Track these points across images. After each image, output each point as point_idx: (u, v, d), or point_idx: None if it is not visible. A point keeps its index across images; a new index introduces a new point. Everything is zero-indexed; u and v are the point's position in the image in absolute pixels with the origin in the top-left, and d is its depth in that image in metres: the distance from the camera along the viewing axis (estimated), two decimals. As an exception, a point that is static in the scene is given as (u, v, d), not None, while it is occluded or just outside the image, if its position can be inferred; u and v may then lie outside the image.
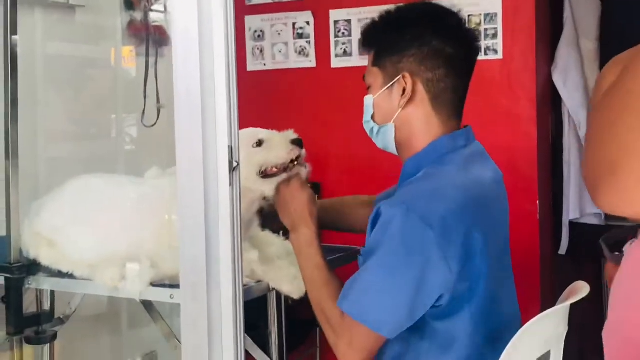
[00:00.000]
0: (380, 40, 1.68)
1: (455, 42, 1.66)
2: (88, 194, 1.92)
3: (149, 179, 1.90)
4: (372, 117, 1.68)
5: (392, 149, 1.70)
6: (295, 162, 1.76)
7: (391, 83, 1.64)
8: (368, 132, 1.72)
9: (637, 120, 0.75)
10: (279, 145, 1.75)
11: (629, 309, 0.89)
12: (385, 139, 1.68)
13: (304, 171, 1.77)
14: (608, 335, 0.93)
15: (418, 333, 1.56)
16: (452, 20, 1.68)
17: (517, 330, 1.55)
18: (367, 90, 1.71)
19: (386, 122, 1.66)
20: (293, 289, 1.69)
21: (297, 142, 1.76)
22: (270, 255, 1.77)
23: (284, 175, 1.74)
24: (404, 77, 1.63)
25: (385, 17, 1.71)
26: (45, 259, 1.80)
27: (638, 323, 0.85)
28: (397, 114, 1.65)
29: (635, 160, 0.75)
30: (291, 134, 1.78)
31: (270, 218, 1.85)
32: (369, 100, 1.68)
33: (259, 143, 1.75)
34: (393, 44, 1.65)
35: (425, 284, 1.48)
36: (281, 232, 1.88)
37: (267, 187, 1.74)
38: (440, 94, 1.65)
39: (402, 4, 1.72)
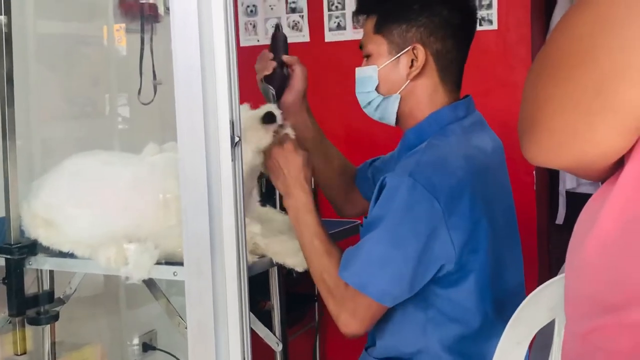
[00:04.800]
0: (385, 6, 1.64)
1: (462, 13, 1.66)
2: (86, 172, 1.90)
3: (146, 156, 1.87)
4: (377, 88, 1.65)
5: (391, 120, 1.69)
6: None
7: (400, 53, 1.62)
8: (364, 103, 1.69)
9: (552, 78, 0.79)
10: (253, 133, 1.64)
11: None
12: (387, 111, 1.67)
13: (292, 132, 1.68)
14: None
15: (419, 300, 1.56)
16: None
17: (522, 300, 1.56)
18: (364, 59, 1.68)
19: (391, 94, 1.64)
20: (297, 261, 1.65)
21: (268, 118, 1.65)
22: (272, 230, 1.74)
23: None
24: (414, 48, 1.61)
25: None
26: (45, 240, 1.79)
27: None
28: (405, 86, 1.64)
29: (546, 116, 0.80)
30: (260, 112, 1.66)
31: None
32: (371, 70, 1.64)
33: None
34: (400, 12, 1.62)
35: (428, 255, 1.49)
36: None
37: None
38: (448, 65, 1.65)
39: None
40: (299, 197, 1.63)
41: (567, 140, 0.79)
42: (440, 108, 1.64)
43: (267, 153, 1.67)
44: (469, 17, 1.68)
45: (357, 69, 1.70)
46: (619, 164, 0.82)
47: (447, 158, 1.55)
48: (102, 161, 1.94)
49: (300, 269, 1.65)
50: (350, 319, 1.53)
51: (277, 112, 1.67)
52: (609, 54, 0.74)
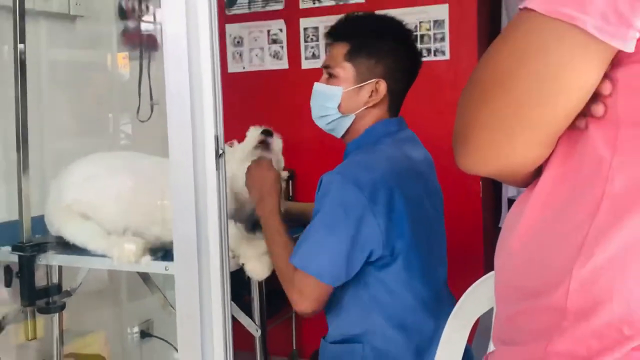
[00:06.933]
0: (358, 39, 1.65)
1: (416, 59, 1.71)
2: (108, 168, 1.86)
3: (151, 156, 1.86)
4: (338, 107, 1.67)
5: (339, 134, 1.73)
6: (260, 147, 1.80)
7: (365, 83, 1.64)
8: (319, 114, 1.71)
9: (479, 100, 0.79)
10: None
11: None
12: (340, 126, 1.70)
13: (269, 155, 1.80)
14: None
15: (360, 283, 1.60)
16: (412, 38, 1.73)
17: (449, 296, 1.61)
18: (328, 78, 1.68)
19: (348, 113, 1.67)
20: (257, 268, 1.65)
21: (265, 132, 1.82)
22: (251, 237, 1.74)
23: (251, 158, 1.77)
24: (378, 82, 1.64)
25: (363, 19, 1.72)
26: (69, 234, 1.75)
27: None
28: (361, 110, 1.66)
29: (474, 132, 0.80)
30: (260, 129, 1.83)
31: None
32: (336, 90, 1.66)
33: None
34: (371, 48, 1.64)
35: (358, 239, 1.53)
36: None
37: None
38: (396, 99, 1.70)
39: (373, 12, 1.74)
40: (269, 203, 1.68)
41: (492, 152, 0.80)
42: (375, 123, 1.68)
43: (247, 168, 1.75)
44: (419, 63, 1.73)
45: (317, 83, 1.71)
46: (538, 173, 0.84)
47: (373, 159, 1.60)
48: (121, 157, 1.93)
49: (258, 277, 1.67)
50: (299, 297, 1.56)
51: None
52: (524, 81, 0.75)
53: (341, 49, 1.66)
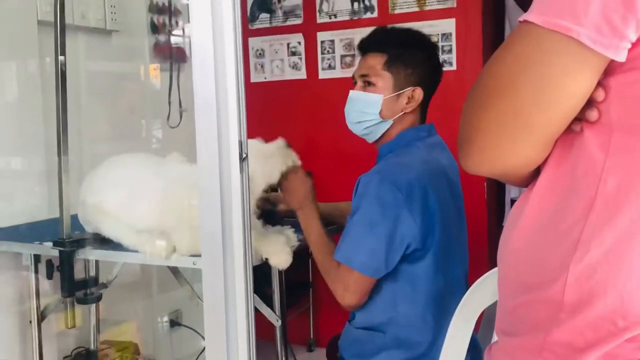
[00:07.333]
0: (395, 50, 1.66)
1: (440, 67, 1.74)
2: (142, 173, 1.84)
3: (171, 161, 1.83)
4: (380, 113, 1.66)
5: (374, 138, 1.71)
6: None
7: (403, 90, 1.65)
8: (356, 120, 1.69)
9: (482, 106, 0.80)
10: (279, 158, 1.72)
11: None
12: (377, 131, 1.69)
13: (299, 162, 1.76)
14: None
15: (390, 276, 1.59)
16: (437, 49, 1.77)
17: (463, 288, 1.60)
18: (365, 86, 1.67)
19: (387, 119, 1.67)
20: (279, 260, 1.65)
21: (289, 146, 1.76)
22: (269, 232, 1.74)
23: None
24: (415, 89, 1.65)
25: (396, 32, 1.73)
26: (105, 230, 1.75)
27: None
28: (398, 115, 1.67)
29: (478, 136, 0.80)
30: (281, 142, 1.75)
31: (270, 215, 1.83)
32: (377, 97, 1.65)
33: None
34: (407, 58, 1.65)
35: (397, 234, 1.53)
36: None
37: None
38: (426, 104, 1.71)
39: (402, 25, 1.76)
40: (308, 210, 1.69)
41: (494, 154, 0.80)
42: (407, 128, 1.68)
43: (283, 175, 1.72)
44: (441, 72, 1.75)
45: (354, 91, 1.69)
46: (537, 173, 0.84)
47: (408, 161, 1.61)
48: (144, 160, 1.91)
49: (282, 267, 1.66)
50: (344, 291, 1.56)
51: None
52: (525, 87, 0.75)
53: (379, 59, 1.66)
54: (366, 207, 1.55)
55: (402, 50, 1.66)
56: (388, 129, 1.69)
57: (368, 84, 1.67)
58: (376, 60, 1.67)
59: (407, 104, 1.66)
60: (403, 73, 1.65)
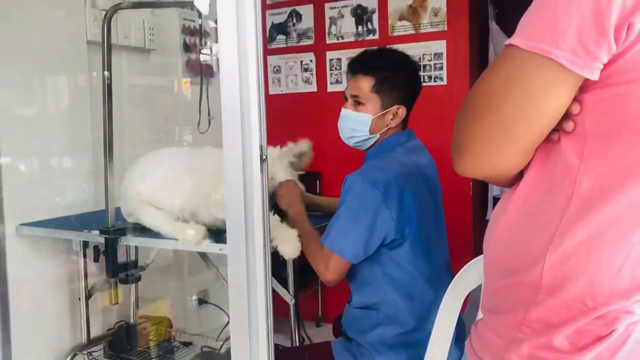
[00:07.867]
0: (381, 73, 1.64)
1: (420, 84, 1.72)
2: (174, 162, 1.85)
3: (204, 151, 1.85)
4: (369, 130, 1.66)
5: (364, 148, 1.73)
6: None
7: (388, 109, 1.65)
8: (349, 135, 1.69)
9: (473, 117, 0.79)
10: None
11: None
12: (366, 143, 1.71)
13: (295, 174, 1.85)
14: None
15: (376, 261, 1.61)
16: (417, 68, 1.73)
17: (444, 272, 1.60)
18: (356, 105, 1.66)
19: (374, 134, 1.68)
20: (287, 249, 1.62)
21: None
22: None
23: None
24: (399, 108, 1.65)
25: (382, 54, 1.69)
26: (146, 219, 1.74)
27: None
28: (384, 129, 1.67)
29: (468, 144, 0.80)
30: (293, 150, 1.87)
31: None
32: (366, 117, 1.65)
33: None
34: (394, 81, 1.64)
35: (375, 226, 1.54)
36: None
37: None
38: (407, 117, 1.70)
39: (387, 47, 1.75)
40: (296, 210, 1.72)
41: (484, 161, 0.80)
42: (390, 135, 1.69)
43: (279, 185, 1.78)
44: (421, 88, 1.73)
45: (346, 110, 1.69)
46: (520, 176, 0.84)
47: (386, 164, 1.61)
48: (182, 153, 1.92)
49: (288, 257, 1.63)
50: (325, 270, 1.58)
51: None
52: (510, 102, 0.75)
53: (367, 82, 1.64)
54: (350, 202, 1.56)
55: (389, 73, 1.64)
56: (375, 141, 1.70)
57: (358, 104, 1.66)
58: (365, 83, 1.64)
59: (392, 119, 1.66)
60: (389, 94, 1.65)
